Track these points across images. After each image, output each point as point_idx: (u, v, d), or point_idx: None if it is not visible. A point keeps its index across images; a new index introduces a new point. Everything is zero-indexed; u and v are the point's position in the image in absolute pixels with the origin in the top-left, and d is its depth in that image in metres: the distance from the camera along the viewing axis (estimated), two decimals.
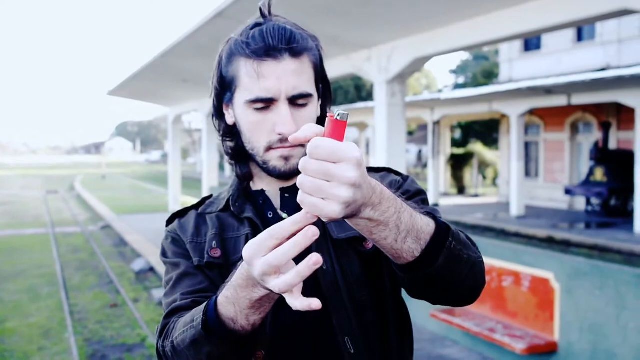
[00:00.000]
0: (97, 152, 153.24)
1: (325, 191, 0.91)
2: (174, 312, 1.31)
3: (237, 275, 1.09)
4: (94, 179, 51.94)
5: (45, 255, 14.84)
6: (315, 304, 0.96)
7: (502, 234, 16.74)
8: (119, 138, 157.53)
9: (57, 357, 7.45)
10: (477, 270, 1.21)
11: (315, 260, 0.93)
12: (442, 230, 1.11)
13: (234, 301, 1.10)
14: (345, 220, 0.99)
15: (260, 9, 1.34)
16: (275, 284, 0.97)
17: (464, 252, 1.15)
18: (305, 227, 0.95)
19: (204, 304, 1.16)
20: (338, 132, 0.93)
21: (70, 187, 42.88)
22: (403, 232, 1.04)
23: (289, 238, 0.96)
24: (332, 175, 0.91)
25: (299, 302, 0.97)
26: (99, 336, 8.22)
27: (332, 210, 0.92)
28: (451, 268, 1.13)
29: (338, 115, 0.93)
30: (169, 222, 1.51)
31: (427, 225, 1.09)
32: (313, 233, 0.94)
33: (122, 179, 53.86)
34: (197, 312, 1.16)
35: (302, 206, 0.94)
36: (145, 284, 11.16)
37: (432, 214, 1.15)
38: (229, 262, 1.37)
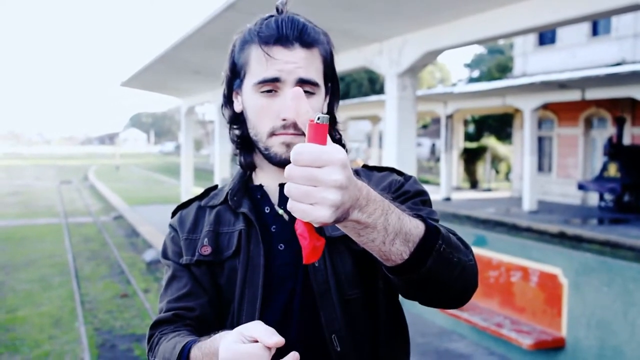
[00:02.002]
0: (111, 143, 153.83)
1: (313, 196, 0.91)
2: (157, 325, 1.39)
3: (209, 347, 1.17)
4: (108, 170, 52.21)
5: (57, 245, 14.94)
6: None
7: (514, 229, 16.69)
8: (133, 129, 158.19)
9: (67, 346, 7.51)
10: (467, 274, 1.20)
11: None
12: (432, 232, 1.10)
13: None
14: (335, 224, 0.99)
15: (277, 6, 1.36)
16: None
17: (454, 255, 1.14)
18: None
19: (179, 350, 1.23)
20: (320, 136, 0.93)
21: (83, 177, 43.10)
22: (391, 234, 1.03)
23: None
24: (318, 180, 0.91)
25: None
26: (108, 326, 8.27)
27: (322, 215, 0.92)
28: (440, 270, 1.12)
29: (318, 119, 0.93)
30: (174, 213, 1.55)
31: (416, 228, 1.08)
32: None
33: (136, 170, 54.07)
34: (174, 355, 1.24)
35: (292, 213, 0.94)
36: (156, 275, 11.21)
37: (422, 216, 1.14)
38: (220, 258, 1.40)
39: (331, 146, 0.93)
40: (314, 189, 0.91)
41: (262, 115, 1.34)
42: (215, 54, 11.98)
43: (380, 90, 39.04)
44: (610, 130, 20.76)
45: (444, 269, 1.12)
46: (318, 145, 0.92)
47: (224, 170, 18.55)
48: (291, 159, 0.92)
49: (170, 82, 18.37)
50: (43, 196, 28.39)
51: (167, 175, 44.41)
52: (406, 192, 1.42)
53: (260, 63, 1.30)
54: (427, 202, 1.44)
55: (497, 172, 32.75)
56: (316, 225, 0.95)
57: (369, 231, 1.01)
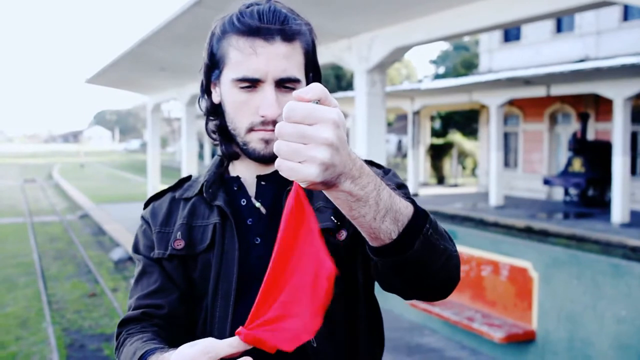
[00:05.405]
0: (76, 141, 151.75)
1: (302, 153, 0.90)
2: (124, 323, 1.37)
3: None
4: (72, 168, 51.51)
5: (23, 244, 14.70)
6: None
7: (481, 224, 16.83)
8: (98, 126, 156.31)
9: (34, 347, 7.39)
10: (452, 264, 1.19)
11: None
12: (420, 215, 1.09)
13: None
14: (324, 191, 0.97)
15: None
16: None
17: (440, 242, 1.13)
18: (241, 352, 0.99)
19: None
20: None
21: (48, 175, 42.46)
22: (382, 210, 1.02)
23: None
24: (308, 137, 0.89)
25: None
26: (77, 326, 8.16)
27: (310, 172, 0.90)
28: (426, 255, 1.10)
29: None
30: (146, 205, 1.51)
31: (406, 208, 1.07)
32: None
33: (101, 167, 53.44)
34: None
35: (279, 171, 0.92)
36: (124, 273, 11.10)
37: (411, 198, 1.14)
38: (193, 252, 1.37)
39: (327, 107, 0.92)
40: (303, 146, 0.90)
41: (241, 110, 1.31)
42: (182, 50, 11.87)
43: (347, 87, 39.11)
44: (575, 125, 21.06)
45: (430, 255, 1.11)
46: (311, 103, 0.91)
47: (191, 167, 18.41)
48: (283, 116, 0.90)
49: (136, 79, 18.18)
50: (6, 195, 27.91)
51: (132, 172, 43.97)
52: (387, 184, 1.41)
53: (240, 57, 1.27)
54: (407, 195, 1.42)
55: (464, 167, 33.04)
56: (304, 186, 0.93)
57: (361, 205, 1.00)
